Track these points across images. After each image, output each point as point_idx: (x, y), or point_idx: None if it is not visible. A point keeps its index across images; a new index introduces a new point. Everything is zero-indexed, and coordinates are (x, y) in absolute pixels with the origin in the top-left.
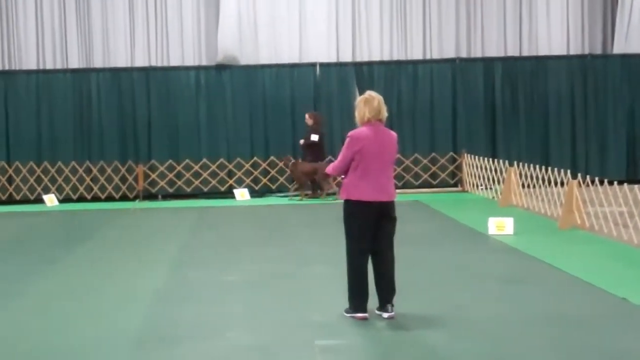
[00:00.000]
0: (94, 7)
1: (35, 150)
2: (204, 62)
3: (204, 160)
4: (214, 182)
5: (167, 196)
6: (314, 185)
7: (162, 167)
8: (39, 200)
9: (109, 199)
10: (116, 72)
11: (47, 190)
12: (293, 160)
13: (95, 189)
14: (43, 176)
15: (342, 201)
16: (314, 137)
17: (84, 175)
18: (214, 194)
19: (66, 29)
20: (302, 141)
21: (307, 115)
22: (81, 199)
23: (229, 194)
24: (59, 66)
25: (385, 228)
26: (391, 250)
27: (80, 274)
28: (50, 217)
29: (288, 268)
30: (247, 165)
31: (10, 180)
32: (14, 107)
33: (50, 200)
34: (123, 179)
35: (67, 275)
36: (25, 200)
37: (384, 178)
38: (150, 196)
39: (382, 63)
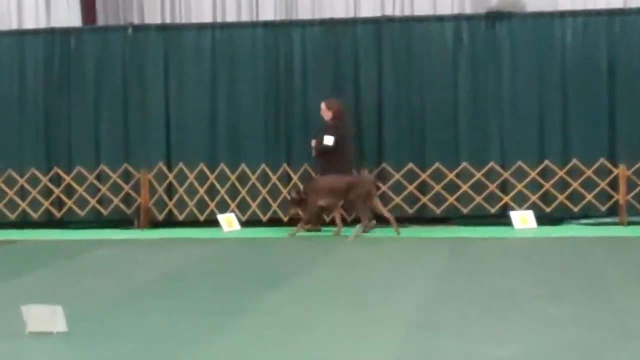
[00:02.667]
0: None
1: (205, 141)
2: (467, 10)
3: (465, 164)
4: (479, 199)
5: (404, 220)
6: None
7: (398, 175)
8: (211, 223)
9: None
10: (331, 26)
11: (223, 208)
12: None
13: (274, 206)
14: (218, 185)
15: None
16: (328, 140)
17: (278, 184)
18: (476, 217)
19: None
20: (313, 142)
21: (323, 105)
22: (261, 222)
23: (500, 217)
24: (245, 18)
25: None
26: None
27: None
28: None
29: (595, 338)
30: (534, 173)
31: (170, 190)
32: (177, 76)
33: (229, 222)
34: None
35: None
36: (191, 221)
37: None
38: (378, 219)
39: None
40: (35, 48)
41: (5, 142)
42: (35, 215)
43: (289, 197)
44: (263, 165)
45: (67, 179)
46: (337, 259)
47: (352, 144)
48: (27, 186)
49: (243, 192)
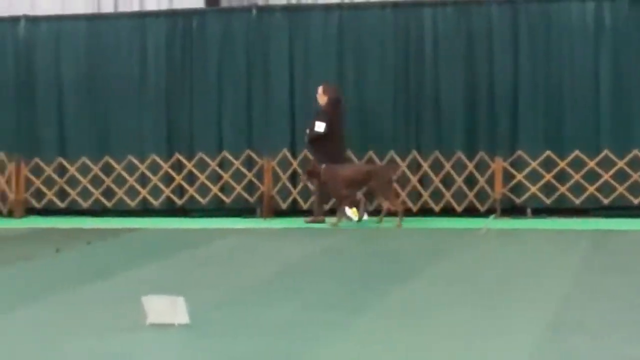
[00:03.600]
0: None
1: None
2: None
3: (606, 151)
4: (621, 188)
5: (541, 211)
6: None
7: (534, 163)
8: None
9: (447, 211)
10: (464, 7)
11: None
12: (323, 166)
13: (426, 195)
14: None
15: None
16: (319, 127)
17: (407, 172)
18: (618, 209)
19: None
20: (307, 130)
21: (320, 89)
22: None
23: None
24: None
25: None
26: None
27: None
28: (354, 237)
29: None
30: None
31: (294, 178)
32: (302, 59)
33: (354, 211)
34: (470, 180)
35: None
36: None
37: None
38: (513, 210)
39: None
40: (156, 31)
41: (125, 127)
42: (155, 203)
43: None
44: (391, 152)
45: (189, 165)
46: (470, 252)
47: (344, 132)
48: (147, 173)
49: None
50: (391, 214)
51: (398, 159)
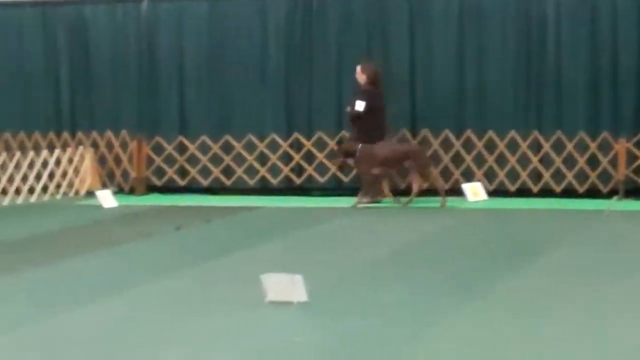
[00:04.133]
0: None
1: (451, 108)
2: None
3: None
4: None
5: None
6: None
7: None
8: (456, 192)
9: (568, 193)
10: None
11: (469, 177)
12: (360, 145)
13: (547, 176)
14: (464, 152)
15: None
16: (359, 106)
17: (528, 153)
18: None
19: None
20: (348, 108)
21: (358, 68)
22: (509, 193)
23: None
24: None
25: None
26: None
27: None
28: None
29: None
30: None
31: None
32: (423, 40)
33: (475, 191)
34: (592, 161)
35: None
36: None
37: None
38: (636, 191)
39: None
40: (277, 10)
41: (245, 107)
42: (274, 182)
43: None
44: (512, 132)
45: (307, 144)
46: (593, 234)
47: (385, 110)
48: (266, 152)
49: (490, 161)
50: (422, 194)
51: (519, 139)
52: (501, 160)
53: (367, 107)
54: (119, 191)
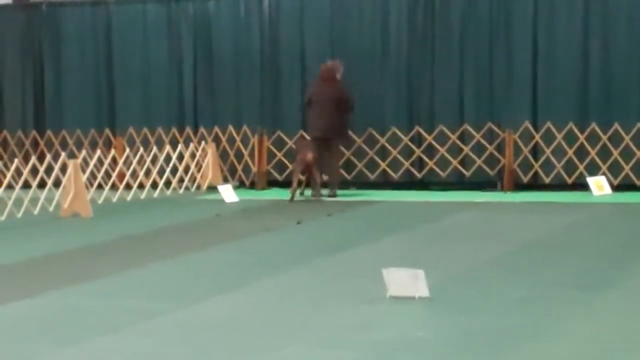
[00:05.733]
0: None
1: (575, 99)
2: None
3: None
4: None
5: None
6: None
7: None
8: (580, 186)
9: None
10: None
11: (593, 170)
12: None
13: None
14: (588, 145)
15: None
16: None
17: None
18: None
19: None
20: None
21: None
22: (635, 187)
23: None
24: None
25: None
26: None
27: None
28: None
29: None
30: None
31: (536, 150)
32: (546, 28)
33: (599, 185)
34: None
35: None
36: (558, 184)
37: None
38: None
39: None
40: (399, 2)
41: (366, 100)
42: (395, 176)
43: None
44: (638, 124)
45: (429, 138)
46: None
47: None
48: (387, 146)
49: (615, 154)
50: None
51: None
52: (627, 154)
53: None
54: (240, 186)
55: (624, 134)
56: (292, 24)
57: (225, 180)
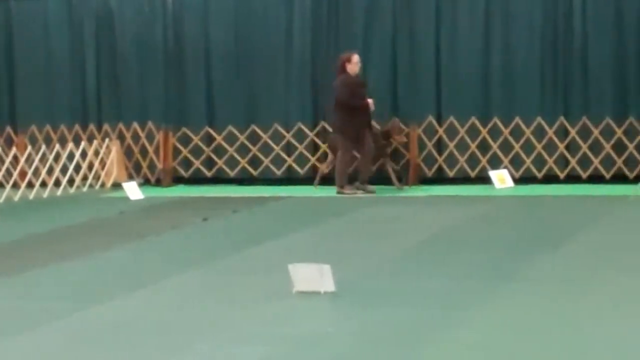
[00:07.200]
0: None
1: (477, 94)
2: None
3: None
4: None
5: None
6: None
7: None
8: (482, 179)
9: (595, 179)
10: None
11: (495, 164)
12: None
13: (573, 162)
14: (490, 140)
15: None
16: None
17: (554, 139)
18: None
19: None
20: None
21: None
22: (536, 179)
23: None
24: None
25: None
26: None
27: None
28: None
29: None
30: None
31: (440, 145)
32: (449, 23)
33: (501, 179)
34: (618, 147)
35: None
36: (462, 178)
37: None
38: None
39: None
40: None
41: (272, 96)
42: (301, 171)
43: None
44: (539, 119)
45: None
46: (620, 219)
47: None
48: (293, 141)
49: (517, 147)
50: None
51: (545, 125)
52: (527, 147)
53: None
54: (145, 183)
55: (524, 128)
56: (196, 19)
57: (130, 178)
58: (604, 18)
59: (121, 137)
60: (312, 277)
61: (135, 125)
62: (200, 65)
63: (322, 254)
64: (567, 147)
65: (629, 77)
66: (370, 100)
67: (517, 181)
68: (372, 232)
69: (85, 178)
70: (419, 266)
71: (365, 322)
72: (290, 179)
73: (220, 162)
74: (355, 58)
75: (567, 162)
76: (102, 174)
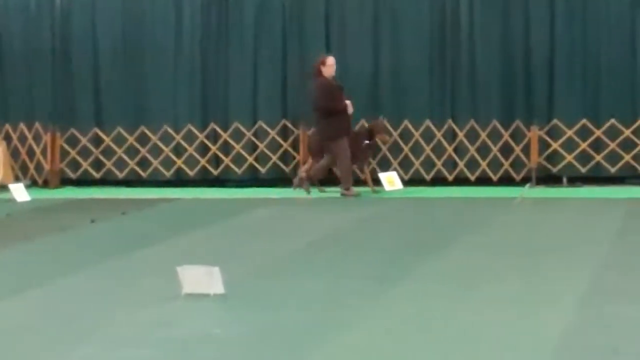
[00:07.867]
0: None
1: (366, 97)
2: None
3: None
4: None
5: (576, 180)
6: None
7: (570, 131)
8: (373, 182)
9: (483, 181)
10: None
11: (385, 166)
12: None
13: (462, 165)
14: (380, 143)
15: None
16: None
17: (442, 141)
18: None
19: None
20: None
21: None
22: (425, 182)
23: None
24: None
25: None
26: None
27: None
28: (389, 206)
29: None
30: None
31: None
32: (338, 28)
33: (391, 181)
34: (506, 150)
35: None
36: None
37: None
38: (548, 179)
39: None
40: (191, 0)
41: (161, 98)
42: (191, 173)
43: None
44: (427, 121)
45: (224, 135)
46: (506, 221)
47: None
48: (183, 143)
49: (406, 150)
50: None
51: (434, 128)
52: (416, 149)
53: None
54: (33, 184)
55: (413, 131)
56: (84, 18)
57: (17, 179)
58: (490, 21)
59: (7, 138)
60: (200, 279)
61: (22, 125)
62: (88, 65)
63: (211, 255)
64: (455, 150)
65: (516, 80)
66: (348, 102)
67: (407, 183)
68: (262, 233)
69: None
70: (306, 267)
71: (254, 324)
72: (179, 180)
73: (108, 164)
74: (330, 60)
75: (455, 165)
76: None
